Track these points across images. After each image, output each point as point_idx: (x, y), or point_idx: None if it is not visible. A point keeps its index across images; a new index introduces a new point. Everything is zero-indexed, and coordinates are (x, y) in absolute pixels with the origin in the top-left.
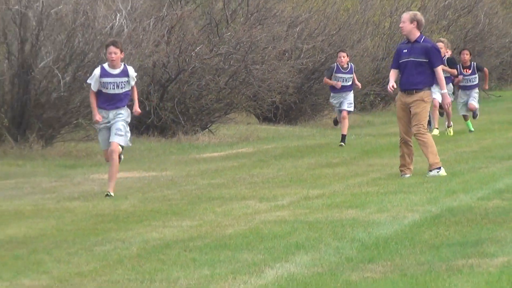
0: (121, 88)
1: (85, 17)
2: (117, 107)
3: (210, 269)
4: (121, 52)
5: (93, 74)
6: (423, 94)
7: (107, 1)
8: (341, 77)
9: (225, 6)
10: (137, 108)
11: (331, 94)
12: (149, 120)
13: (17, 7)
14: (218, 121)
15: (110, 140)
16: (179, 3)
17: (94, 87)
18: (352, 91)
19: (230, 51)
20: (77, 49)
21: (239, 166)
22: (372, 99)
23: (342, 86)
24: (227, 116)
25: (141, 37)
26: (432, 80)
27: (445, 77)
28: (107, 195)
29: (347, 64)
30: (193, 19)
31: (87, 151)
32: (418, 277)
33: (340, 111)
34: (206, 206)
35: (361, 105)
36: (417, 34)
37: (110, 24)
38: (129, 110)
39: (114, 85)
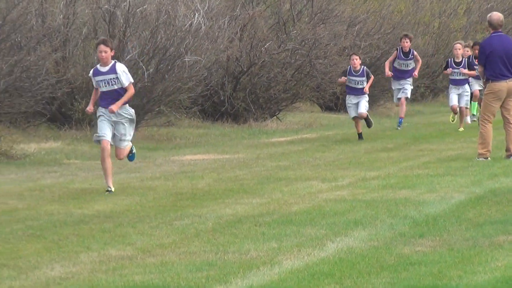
0: (112, 85)
1: (167, 15)
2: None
3: (277, 242)
4: (111, 50)
5: (90, 74)
6: None
7: (186, 1)
8: (353, 80)
9: (292, 7)
10: (114, 107)
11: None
12: (223, 108)
13: (106, 6)
14: (285, 109)
15: (116, 145)
16: (251, 4)
17: (95, 85)
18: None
19: (296, 47)
20: (159, 44)
21: (303, 150)
22: (422, 91)
23: (355, 88)
24: (293, 105)
25: (216, 34)
26: None
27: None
28: (108, 191)
29: (360, 66)
30: (263, 18)
31: (168, 136)
32: (464, 251)
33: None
34: (274, 185)
35: (413, 96)
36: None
37: (189, 22)
38: (130, 109)
39: (104, 83)
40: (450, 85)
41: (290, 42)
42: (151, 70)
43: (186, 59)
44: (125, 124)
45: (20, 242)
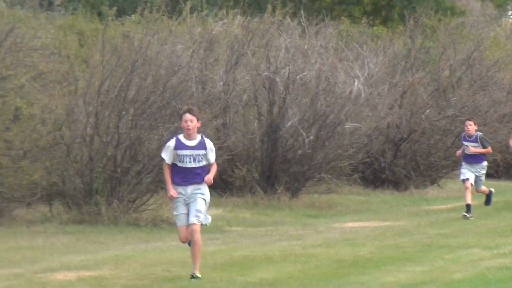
0: (198, 161)
1: (327, 82)
2: (195, 183)
3: None
4: (198, 120)
5: (167, 146)
6: None
7: (346, 68)
8: (467, 146)
9: (452, 74)
10: (209, 178)
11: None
12: (384, 175)
13: (266, 73)
14: (446, 176)
15: (190, 222)
16: (410, 70)
17: (168, 160)
18: (483, 162)
19: (456, 114)
20: (319, 111)
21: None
22: None
23: (469, 155)
24: (453, 172)
25: (376, 100)
26: None
27: None
28: (192, 277)
29: (475, 132)
30: (423, 85)
31: (329, 203)
32: None
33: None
34: (436, 253)
35: None
36: None
37: (349, 89)
38: (207, 187)
39: (190, 158)
40: None
41: (449, 109)
42: (311, 137)
43: (346, 126)
44: (202, 201)
45: None
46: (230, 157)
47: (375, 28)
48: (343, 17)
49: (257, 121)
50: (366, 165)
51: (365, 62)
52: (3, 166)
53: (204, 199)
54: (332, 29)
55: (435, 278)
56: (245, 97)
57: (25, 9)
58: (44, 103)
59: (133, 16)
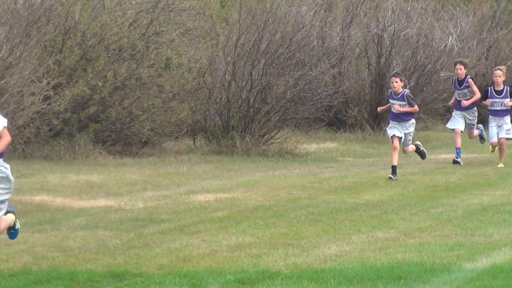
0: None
1: (426, 38)
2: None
3: None
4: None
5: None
6: None
7: (442, 26)
8: (393, 104)
9: None
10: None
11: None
12: None
13: (375, 30)
14: None
15: None
16: (495, 29)
17: None
18: (410, 120)
19: None
20: (419, 62)
21: None
22: None
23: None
24: None
25: (466, 53)
26: None
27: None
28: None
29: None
30: (506, 41)
31: (425, 138)
32: None
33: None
34: None
35: None
36: None
37: (444, 44)
38: None
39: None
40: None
41: None
42: (412, 83)
43: (441, 74)
44: None
45: (302, 225)
46: (344, 99)
47: None
48: None
49: (367, 70)
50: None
51: (458, 21)
52: (156, 106)
53: None
54: None
55: None
56: (357, 50)
57: None
58: (190, 54)
59: None
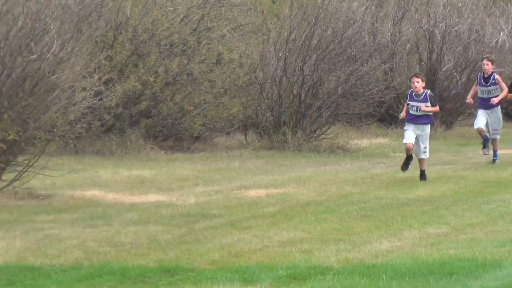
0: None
1: (477, 34)
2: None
3: None
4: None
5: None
6: None
7: (493, 23)
8: (414, 106)
9: None
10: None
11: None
12: None
13: (427, 26)
14: None
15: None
16: None
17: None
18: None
19: None
20: (470, 58)
21: None
22: None
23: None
24: None
25: None
26: None
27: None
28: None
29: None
30: None
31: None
32: None
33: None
34: None
35: None
36: None
37: (495, 40)
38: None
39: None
40: None
41: None
42: (463, 79)
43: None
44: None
45: (354, 221)
46: (396, 95)
47: None
48: None
49: (418, 65)
50: (509, 103)
51: (509, 17)
52: (207, 102)
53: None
54: None
55: None
56: (408, 45)
57: None
58: (241, 50)
59: None
